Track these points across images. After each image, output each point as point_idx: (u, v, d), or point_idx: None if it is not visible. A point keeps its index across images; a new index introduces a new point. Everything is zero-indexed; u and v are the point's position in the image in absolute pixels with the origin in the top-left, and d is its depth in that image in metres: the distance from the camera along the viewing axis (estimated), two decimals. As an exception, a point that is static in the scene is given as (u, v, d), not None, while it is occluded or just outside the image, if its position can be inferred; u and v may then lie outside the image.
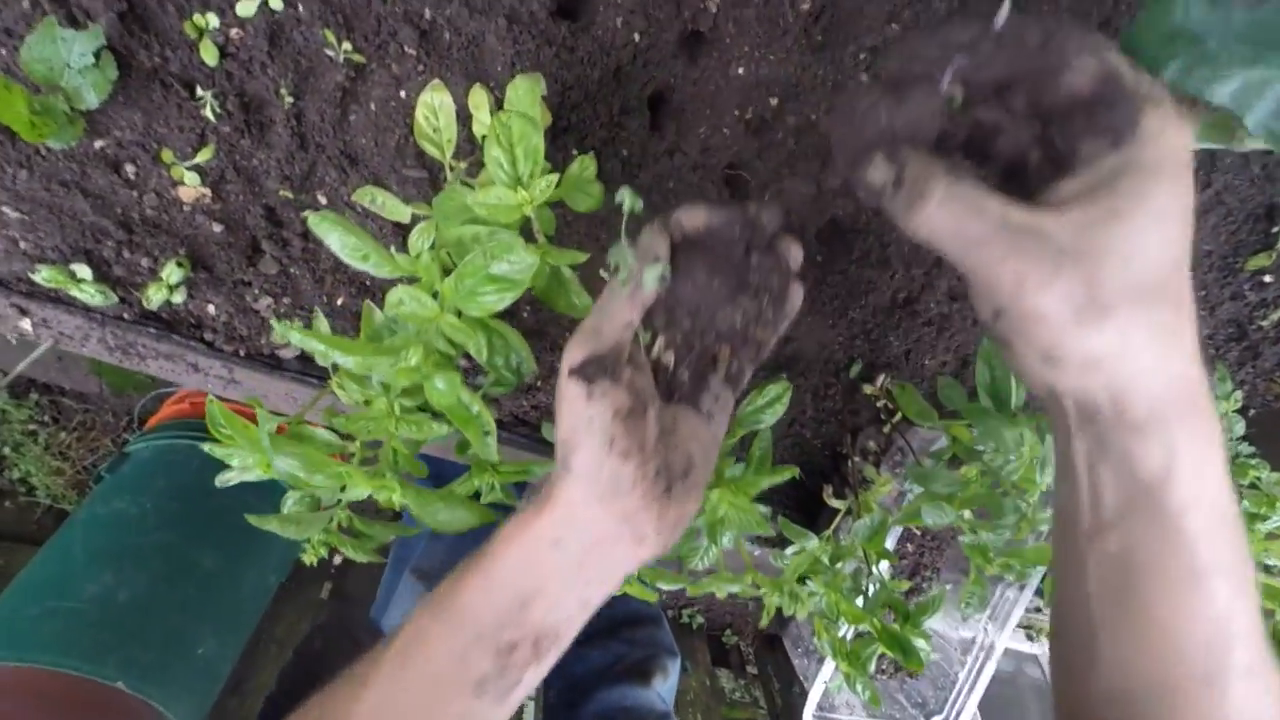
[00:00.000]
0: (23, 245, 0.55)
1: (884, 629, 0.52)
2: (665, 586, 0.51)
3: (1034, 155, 0.29)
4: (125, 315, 0.59)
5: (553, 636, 0.32)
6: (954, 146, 0.30)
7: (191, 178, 0.56)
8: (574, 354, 0.32)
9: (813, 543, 0.59)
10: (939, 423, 0.54)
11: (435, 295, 0.32)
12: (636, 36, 0.59)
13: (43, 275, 0.53)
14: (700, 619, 1.95)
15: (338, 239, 0.34)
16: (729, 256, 0.36)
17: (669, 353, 0.37)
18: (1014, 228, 0.26)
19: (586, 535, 0.31)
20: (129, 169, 0.54)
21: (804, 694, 1.95)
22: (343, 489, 0.35)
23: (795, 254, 0.38)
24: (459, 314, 0.32)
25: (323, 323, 0.43)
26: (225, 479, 0.40)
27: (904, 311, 0.75)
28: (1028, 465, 0.47)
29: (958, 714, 0.91)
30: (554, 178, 0.34)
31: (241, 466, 0.38)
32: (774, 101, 0.66)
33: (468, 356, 0.42)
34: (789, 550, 0.64)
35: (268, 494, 0.98)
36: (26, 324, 0.58)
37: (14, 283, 0.57)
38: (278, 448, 0.34)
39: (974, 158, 0.31)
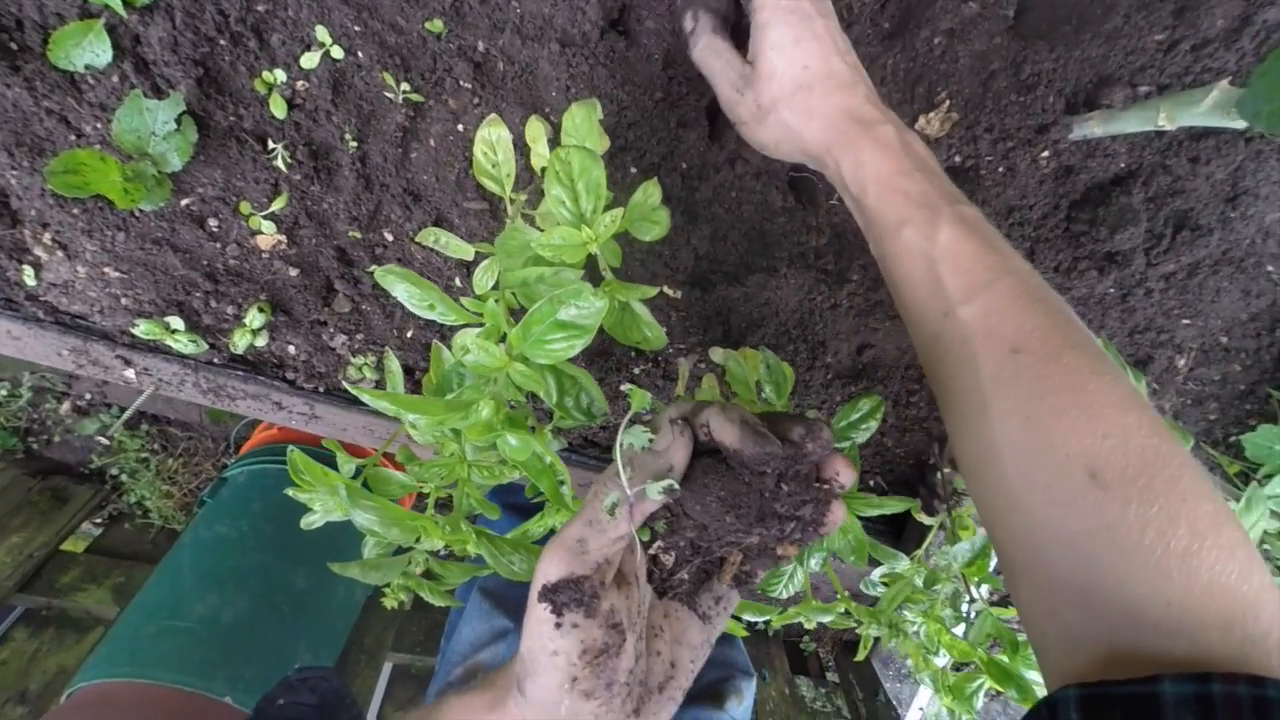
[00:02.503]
0: (123, 301, 0.58)
1: (990, 661, 0.48)
2: (751, 618, 0.49)
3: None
4: (215, 360, 0.62)
5: None
6: None
7: (268, 226, 0.58)
8: (550, 569, 0.27)
9: (903, 564, 0.56)
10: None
11: (503, 340, 0.32)
12: (691, 47, 0.57)
13: (142, 329, 0.56)
14: (777, 625, 1.90)
15: (404, 290, 0.34)
16: (755, 486, 0.30)
17: (669, 555, 0.32)
18: (734, 67, 0.46)
19: None
20: (212, 223, 0.57)
21: (889, 703, 1.87)
22: (418, 540, 0.35)
23: (846, 478, 0.32)
24: (525, 360, 0.31)
25: (395, 363, 0.44)
26: (310, 521, 0.41)
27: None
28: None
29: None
30: (618, 213, 0.33)
31: (324, 510, 0.39)
32: (839, 99, 0.62)
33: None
34: (877, 573, 0.60)
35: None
36: (130, 373, 0.61)
37: (118, 336, 0.60)
38: (355, 501, 0.34)
39: None
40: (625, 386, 0.31)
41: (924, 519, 0.66)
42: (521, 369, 0.30)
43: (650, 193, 0.36)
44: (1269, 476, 0.73)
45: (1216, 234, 0.66)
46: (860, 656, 0.53)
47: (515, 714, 0.29)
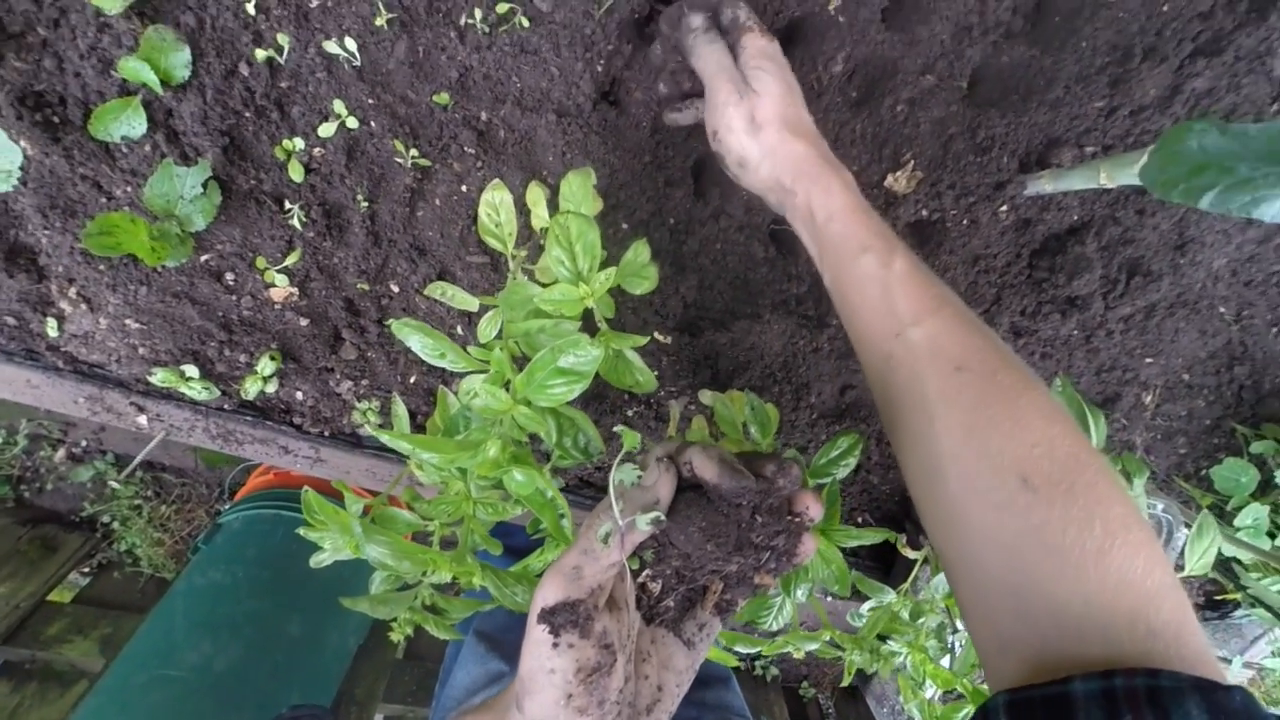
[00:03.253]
0: (140, 351, 0.61)
1: (975, 690, 0.49)
2: (742, 650, 0.50)
3: None
4: (225, 406, 0.65)
5: None
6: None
7: (281, 279, 0.61)
8: (548, 593, 0.30)
9: (889, 597, 0.58)
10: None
11: (507, 385, 0.35)
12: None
13: (159, 378, 0.59)
14: (775, 670, 1.88)
15: (418, 341, 0.37)
16: (733, 518, 0.33)
17: (656, 583, 0.35)
18: (731, 72, 0.48)
19: None
20: (229, 277, 0.61)
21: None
22: (425, 573, 0.37)
23: (815, 512, 0.35)
24: (529, 403, 0.34)
25: (401, 407, 0.47)
26: (319, 560, 0.43)
27: (964, 352, 0.74)
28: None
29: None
30: (611, 271, 0.36)
31: (334, 549, 0.41)
32: (813, 160, 0.68)
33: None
34: (865, 607, 0.62)
35: (348, 561, 1.03)
36: (143, 419, 0.64)
37: (133, 384, 0.63)
38: (368, 536, 0.37)
39: None
40: (618, 428, 0.34)
41: (909, 553, 0.69)
42: (525, 411, 0.33)
43: (640, 252, 0.40)
44: (1238, 509, 0.76)
45: (1167, 279, 0.70)
46: (845, 681, 0.55)
47: None
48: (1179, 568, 0.62)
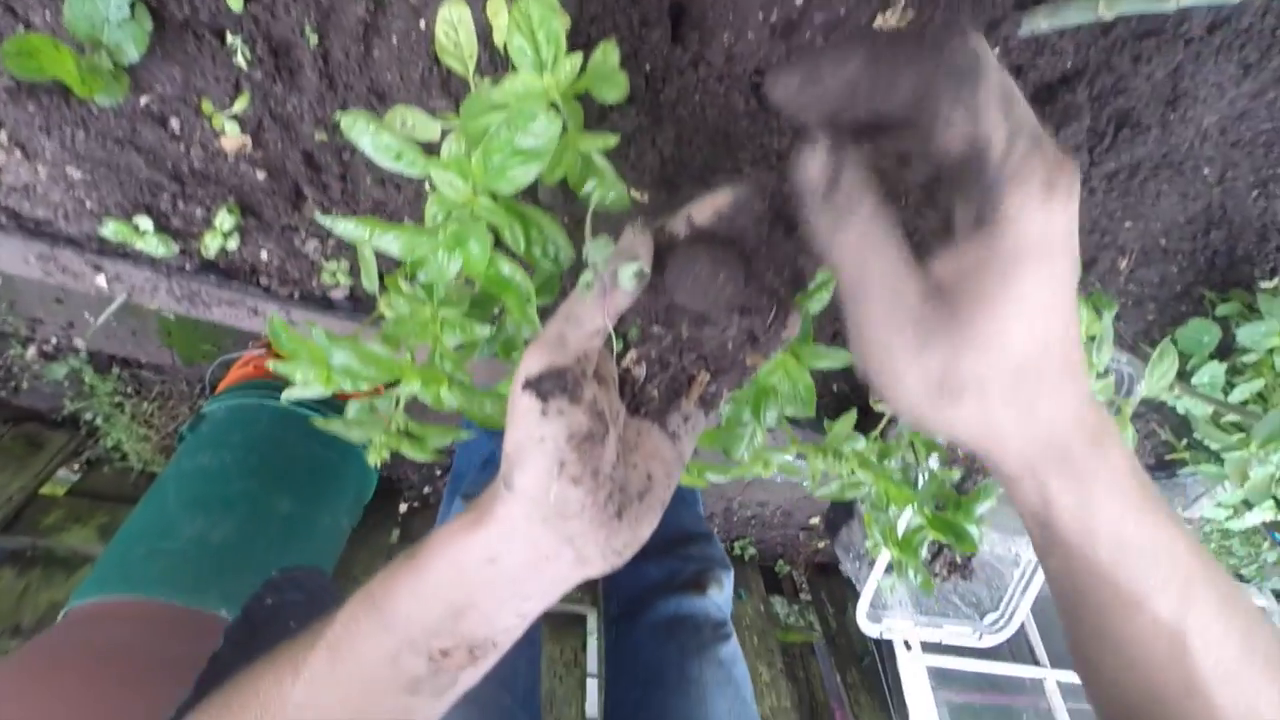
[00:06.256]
0: (88, 204, 0.58)
1: (934, 517, 0.52)
2: (714, 478, 0.52)
3: (920, 204, 0.28)
4: (186, 266, 0.63)
5: (488, 645, 0.31)
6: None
7: (232, 127, 0.58)
8: (532, 363, 0.28)
9: (860, 443, 0.60)
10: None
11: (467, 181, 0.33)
12: (651, -63, 0.57)
13: (110, 229, 0.56)
14: (752, 550, 2.00)
15: (369, 140, 0.35)
16: (740, 247, 0.30)
17: (640, 366, 0.33)
18: (898, 289, 0.26)
19: (525, 554, 0.29)
20: (174, 123, 0.57)
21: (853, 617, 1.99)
22: (397, 383, 0.37)
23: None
24: (492, 196, 0.32)
25: (368, 250, 0.45)
26: (290, 395, 0.43)
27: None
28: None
29: (1011, 613, 0.92)
30: (578, 57, 0.34)
31: (304, 381, 0.41)
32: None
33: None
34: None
35: (332, 441, 1.05)
36: (102, 279, 0.62)
37: (86, 242, 0.60)
38: (333, 344, 0.36)
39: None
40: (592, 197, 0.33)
41: (882, 408, 0.71)
42: (487, 204, 0.32)
43: (609, 53, 0.38)
44: (1196, 368, 0.79)
45: (1154, 132, 0.69)
46: (812, 489, 0.57)
47: (500, 513, 0.28)
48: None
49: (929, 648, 1.47)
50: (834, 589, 2.03)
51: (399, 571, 0.30)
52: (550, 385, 0.27)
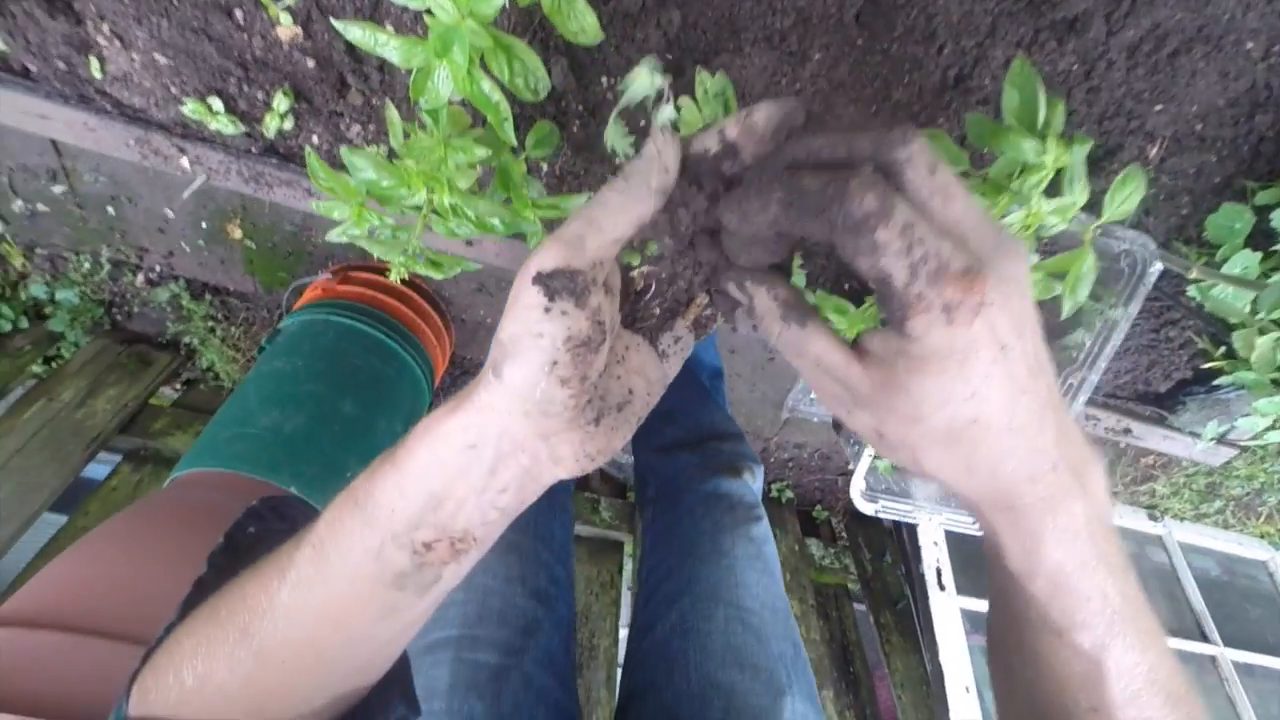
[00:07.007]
0: (173, 90, 0.68)
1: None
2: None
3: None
4: (252, 149, 0.72)
5: (468, 540, 0.31)
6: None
7: (285, 18, 0.66)
8: (547, 258, 0.27)
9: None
10: (968, 165, 0.54)
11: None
12: None
13: (189, 108, 0.66)
14: (789, 493, 2.02)
15: (357, 31, 0.40)
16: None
17: (647, 282, 0.33)
18: (832, 366, 0.30)
19: (502, 444, 0.29)
20: (238, 14, 0.65)
21: (895, 563, 1.98)
22: (408, 189, 0.44)
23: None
24: (476, 19, 0.38)
25: (394, 112, 0.51)
26: (333, 234, 0.51)
27: (955, 91, 0.73)
28: (1052, 175, 0.47)
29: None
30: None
31: (341, 216, 0.48)
32: None
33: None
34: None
35: (390, 358, 1.17)
36: (185, 161, 0.72)
37: (173, 127, 0.71)
38: (352, 153, 0.43)
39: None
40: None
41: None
42: (474, 26, 0.37)
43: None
44: (1226, 259, 0.76)
45: (1179, -5, 0.66)
46: None
47: (483, 399, 0.29)
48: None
49: (962, 589, 1.46)
50: (872, 536, 2.02)
51: (380, 468, 0.31)
52: (560, 284, 0.27)
